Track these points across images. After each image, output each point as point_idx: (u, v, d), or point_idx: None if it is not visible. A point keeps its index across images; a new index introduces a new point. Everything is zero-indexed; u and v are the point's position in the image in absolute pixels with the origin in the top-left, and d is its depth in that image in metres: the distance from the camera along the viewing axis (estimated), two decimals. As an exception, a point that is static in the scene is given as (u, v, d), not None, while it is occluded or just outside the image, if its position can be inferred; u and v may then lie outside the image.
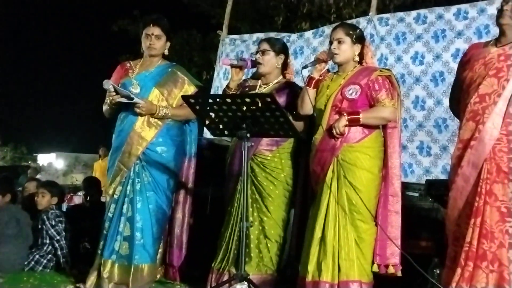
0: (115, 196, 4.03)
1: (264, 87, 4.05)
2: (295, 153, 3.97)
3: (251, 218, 3.83)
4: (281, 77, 4.10)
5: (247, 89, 4.08)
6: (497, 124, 3.17)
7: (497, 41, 3.36)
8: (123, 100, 3.90)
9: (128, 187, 4.00)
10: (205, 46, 14.06)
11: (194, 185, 4.38)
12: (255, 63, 4.02)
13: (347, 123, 3.59)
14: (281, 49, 4.07)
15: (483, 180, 3.18)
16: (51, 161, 36.44)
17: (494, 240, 3.13)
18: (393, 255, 3.63)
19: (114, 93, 3.89)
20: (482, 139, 3.18)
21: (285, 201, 3.95)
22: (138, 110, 3.94)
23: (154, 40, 4.06)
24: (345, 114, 3.60)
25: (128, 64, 4.19)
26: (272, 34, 6.63)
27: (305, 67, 3.74)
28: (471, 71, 3.34)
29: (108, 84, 3.85)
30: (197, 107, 3.33)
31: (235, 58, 4.17)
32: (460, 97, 3.47)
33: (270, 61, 4.02)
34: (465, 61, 3.46)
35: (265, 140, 3.90)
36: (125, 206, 3.97)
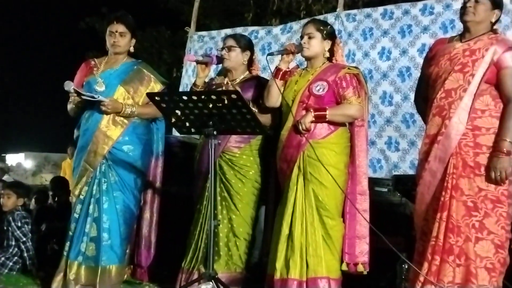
0: (81, 197, 3.97)
1: (231, 84, 4.03)
2: (264, 150, 3.97)
3: (219, 216, 3.82)
4: (247, 73, 4.09)
5: (214, 86, 4.07)
6: (463, 119, 3.19)
7: (461, 37, 3.38)
8: (88, 98, 3.84)
9: (94, 187, 3.94)
10: (175, 43, 13.96)
11: (163, 184, 4.34)
12: (220, 59, 4.00)
13: (313, 119, 3.59)
14: (247, 45, 4.07)
15: (450, 174, 3.20)
16: (20, 161, 35.91)
17: (461, 234, 3.14)
18: (362, 254, 3.66)
19: (76, 95, 3.83)
20: (448, 134, 3.20)
21: (254, 198, 3.94)
22: (103, 108, 3.88)
23: (118, 37, 4.01)
24: (311, 110, 3.60)
25: (92, 62, 4.13)
26: (240, 30, 6.61)
27: (270, 54, 3.76)
28: (436, 67, 3.35)
29: (69, 86, 3.80)
30: (163, 105, 3.29)
31: (200, 54, 4.13)
32: (425, 93, 3.48)
33: (236, 57, 4.00)
34: (431, 57, 3.47)
35: (233, 138, 3.89)
36: (91, 207, 3.91)
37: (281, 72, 3.77)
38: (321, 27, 3.74)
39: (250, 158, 3.93)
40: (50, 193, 6.40)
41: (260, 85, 3.98)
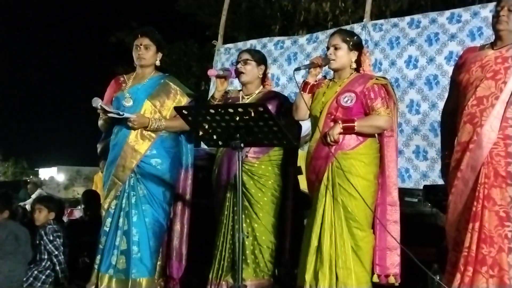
0: (111, 210, 4.02)
1: (247, 98, 4.08)
2: (281, 159, 4.00)
3: (244, 225, 3.83)
4: (261, 87, 4.14)
5: (230, 100, 4.12)
6: (495, 127, 3.15)
7: (493, 45, 3.35)
8: (114, 115, 3.91)
9: (124, 201, 3.98)
10: (203, 56, 14.07)
11: (193, 196, 4.35)
12: (238, 73, 4.06)
13: (342, 130, 3.57)
14: (261, 59, 4.14)
15: (481, 184, 3.16)
16: (52, 175, 36.45)
17: (494, 244, 3.10)
18: (393, 265, 3.62)
19: (101, 108, 3.89)
20: (480, 142, 3.17)
21: (274, 207, 3.96)
22: (130, 124, 3.94)
23: (143, 50, 4.07)
24: (339, 121, 3.58)
25: (122, 78, 4.21)
26: (266, 40, 6.64)
27: (297, 69, 3.74)
28: (467, 73, 3.32)
29: (97, 103, 3.87)
30: (190, 118, 3.31)
31: (220, 68, 4.19)
32: (455, 103, 3.45)
33: (252, 71, 4.06)
34: (461, 64, 3.44)
35: (252, 148, 3.92)
36: (121, 220, 3.96)
37: (308, 86, 3.75)
38: (347, 38, 3.71)
39: (268, 168, 3.96)
40: (82, 206, 6.47)
41: (276, 99, 4.04)
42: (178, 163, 4.20)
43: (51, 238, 4.83)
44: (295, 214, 3.95)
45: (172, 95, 4.13)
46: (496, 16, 3.27)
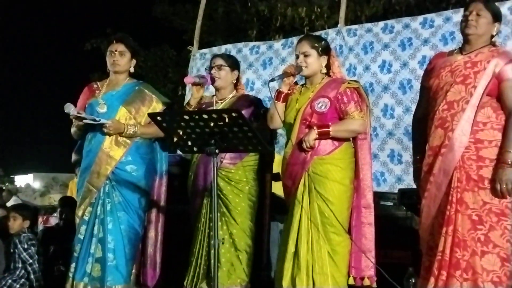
0: (85, 218, 3.98)
1: (221, 102, 4.09)
2: (258, 164, 4.02)
3: (220, 232, 3.81)
4: (235, 91, 4.16)
5: (204, 106, 4.11)
6: (466, 131, 3.18)
7: (461, 50, 3.39)
8: (90, 122, 3.88)
9: (99, 208, 3.95)
10: (180, 62, 14.05)
11: (167, 203, 4.34)
12: (213, 79, 4.06)
13: (317, 136, 3.58)
14: (234, 64, 4.15)
15: (454, 188, 3.19)
16: (28, 182, 36.02)
17: (467, 248, 3.13)
18: (368, 267, 3.63)
19: (76, 116, 3.86)
20: (452, 146, 3.20)
21: (251, 212, 3.97)
22: (106, 130, 3.92)
23: (118, 56, 4.05)
24: (315, 127, 3.59)
25: (95, 85, 4.18)
26: (241, 45, 6.65)
27: (271, 80, 3.70)
28: (437, 79, 3.35)
29: (69, 109, 3.85)
30: (164, 125, 3.30)
31: (196, 75, 4.18)
32: (425, 109, 3.48)
33: (226, 76, 4.07)
34: (430, 70, 3.48)
35: (228, 154, 3.92)
36: (96, 227, 3.93)
37: (282, 95, 3.75)
38: (316, 44, 3.71)
39: (245, 173, 3.97)
40: (58, 212, 6.38)
41: (249, 103, 4.05)
42: (152, 170, 4.18)
43: (26, 246, 4.77)
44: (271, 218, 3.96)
45: (147, 102, 4.11)
46: (465, 21, 3.31)
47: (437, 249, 3.19)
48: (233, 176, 3.94)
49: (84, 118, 3.88)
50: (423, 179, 3.39)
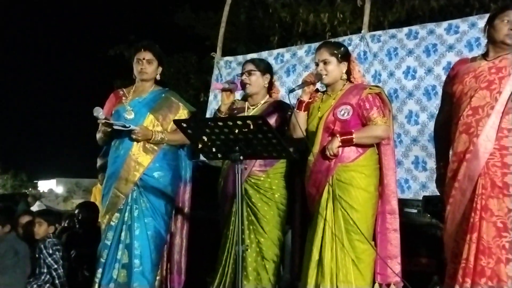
0: (112, 224, 3.99)
1: (253, 108, 4.07)
2: (288, 172, 3.97)
3: (247, 241, 3.82)
4: (267, 96, 4.13)
5: (235, 111, 4.09)
6: (491, 137, 3.17)
7: (485, 56, 3.38)
8: (119, 128, 3.91)
9: (126, 214, 3.96)
10: (202, 68, 14.09)
11: (191, 209, 4.35)
12: (244, 85, 4.05)
13: (340, 144, 3.57)
14: (266, 68, 4.11)
15: (478, 195, 3.17)
16: (51, 187, 36.41)
17: (492, 255, 3.11)
18: (394, 274, 3.61)
19: (105, 122, 3.88)
20: (476, 152, 3.18)
21: (280, 221, 3.94)
22: (134, 136, 3.94)
23: (146, 64, 4.08)
24: (337, 135, 3.58)
25: (121, 92, 4.21)
26: (265, 54, 6.65)
27: (292, 90, 3.68)
28: (461, 84, 3.34)
29: (98, 112, 3.86)
30: (189, 131, 3.32)
31: (225, 81, 4.17)
32: (448, 115, 3.47)
33: (257, 81, 4.04)
34: (453, 76, 3.47)
35: (258, 162, 3.90)
36: (123, 234, 3.94)
37: (303, 104, 3.75)
38: (335, 51, 3.70)
39: (275, 181, 3.93)
40: (78, 217, 6.41)
41: (282, 109, 4.01)
42: (178, 177, 4.20)
43: (51, 251, 4.82)
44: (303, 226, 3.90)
45: (174, 109, 4.14)
46: (509, 29, 3.26)
47: (462, 256, 3.16)
48: (262, 184, 3.92)
49: (113, 124, 3.90)
50: (448, 185, 3.38)
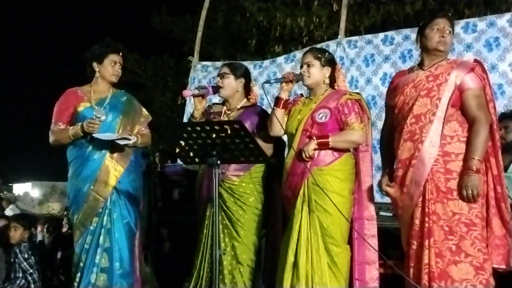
0: (91, 228, 3.93)
1: (229, 113, 4.06)
2: (263, 177, 3.98)
3: (222, 244, 3.82)
4: (245, 100, 4.10)
5: (212, 115, 4.08)
6: (435, 142, 3.26)
7: (420, 65, 3.49)
8: (121, 139, 3.87)
9: (105, 218, 3.93)
10: (179, 71, 14.07)
11: (169, 213, 4.36)
12: (216, 89, 4.04)
13: (316, 147, 3.61)
14: (242, 73, 4.08)
15: (428, 200, 3.25)
16: (27, 190, 35.95)
17: (443, 258, 3.19)
18: (373, 279, 3.67)
19: (98, 124, 3.80)
20: (422, 157, 3.27)
21: (255, 225, 3.93)
22: (131, 143, 3.91)
23: (119, 68, 4.06)
24: (314, 138, 3.62)
25: (79, 91, 4.07)
26: (246, 62, 6.65)
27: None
28: (402, 95, 3.44)
29: (100, 113, 3.82)
30: (167, 135, 3.33)
31: (196, 87, 4.14)
32: (392, 125, 3.56)
33: (230, 84, 4.02)
34: (393, 88, 3.56)
35: (232, 166, 3.90)
36: (101, 238, 3.91)
37: (282, 101, 3.79)
38: (319, 55, 3.79)
39: (249, 185, 3.93)
40: (65, 219, 6.37)
41: (258, 113, 4.02)
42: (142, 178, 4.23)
43: (26, 256, 4.80)
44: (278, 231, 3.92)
45: (138, 112, 4.15)
46: (440, 37, 3.37)
47: (423, 262, 3.22)
48: (237, 188, 3.92)
49: (120, 138, 3.87)
50: (396, 191, 3.45)
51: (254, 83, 4.26)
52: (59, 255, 5.34)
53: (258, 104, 4.29)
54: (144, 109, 4.18)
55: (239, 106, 4.07)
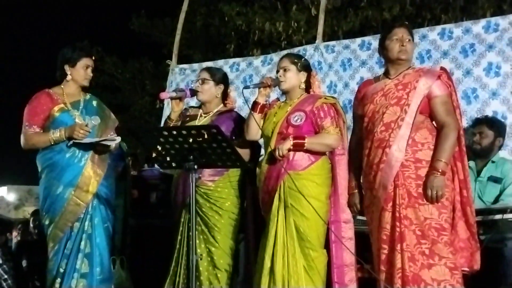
0: (72, 233, 3.87)
1: (205, 116, 4.05)
2: (239, 181, 3.98)
3: (198, 250, 3.80)
4: (221, 105, 4.11)
5: (188, 118, 4.08)
6: (402, 147, 3.31)
7: (386, 74, 3.54)
8: (109, 142, 3.85)
9: (86, 223, 3.89)
10: (158, 74, 14.04)
11: (149, 216, 4.35)
12: (194, 92, 4.03)
13: (292, 147, 3.62)
14: (221, 78, 4.09)
15: (399, 205, 3.29)
16: (2, 194, 35.51)
17: (416, 262, 3.22)
18: (352, 281, 3.68)
19: (89, 132, 3.81)
20: (389, 161, 3.31)
21: (232, 230, 3.93)
22: (114, 146, 3.91)
23: (91, 72, 4.03)
24: (290, 138, 3.64)
25: (52, 94, 3.98)
26: (221, 62, 6.65)
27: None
28: (372, 104, 3.47)
29: (97, 121, 3.87)
30: (144, 140, 3.31)
31: (173, 90, 4.13)
32: (359, 134, 3.60)
33: (209, 90, 4.03)
34: (361, 98, 3.60)
35: (207, 171, 3.89)
36: (82, 243, 3.86)
37: (259, 106, 3.81)
38: (295, 60, 3.83)
39: (225, 190, 3.93)
40: (31, 225, 6.28)
41: (233, 119, 4.03)
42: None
43: (1, 261, 4.73)
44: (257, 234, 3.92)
45: (108, 115, 4.13)
46: (400, 46, 3.42)
47: (396, 266, 3.24)
48: (212, 193, 3.91)
49: (106, 139, 3.86)
50: (366, 196, 3.52)
51: (231, 88, 4.26)
52: (24, 263, 5.24)
53: (237, 107, 4.30)
54: (112, 115, 4.17)
55: (215, 110, 4.07)
